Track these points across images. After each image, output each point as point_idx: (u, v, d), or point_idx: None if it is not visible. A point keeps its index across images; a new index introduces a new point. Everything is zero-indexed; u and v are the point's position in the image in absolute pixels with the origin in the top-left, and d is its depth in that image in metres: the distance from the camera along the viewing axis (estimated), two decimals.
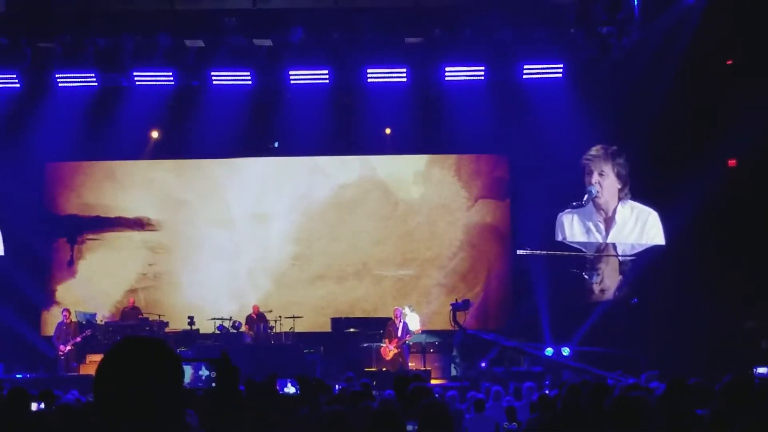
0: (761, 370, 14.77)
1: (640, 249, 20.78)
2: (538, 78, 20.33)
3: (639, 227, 20.78)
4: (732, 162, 19.82)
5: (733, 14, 18.25)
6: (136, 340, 2.58)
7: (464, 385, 17.23)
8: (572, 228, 21.11)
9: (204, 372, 16.49)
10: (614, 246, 21.10)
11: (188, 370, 16.41)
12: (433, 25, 19.52)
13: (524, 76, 20.31)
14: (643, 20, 18.92)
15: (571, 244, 21.09)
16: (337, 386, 13.07)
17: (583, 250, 21.16)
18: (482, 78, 20.46)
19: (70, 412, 7.20)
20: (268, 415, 4.68)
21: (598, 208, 21.06)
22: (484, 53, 19.82)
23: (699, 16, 18.26)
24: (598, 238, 21.09)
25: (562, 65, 20.13)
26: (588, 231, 21.10)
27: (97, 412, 2.48)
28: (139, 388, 2.48)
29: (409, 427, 7.72)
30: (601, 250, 21.16)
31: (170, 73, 20.32)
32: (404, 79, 20.56)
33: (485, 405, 9.77)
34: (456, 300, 19.09)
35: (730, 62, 19.55)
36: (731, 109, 18.52)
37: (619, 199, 20.93)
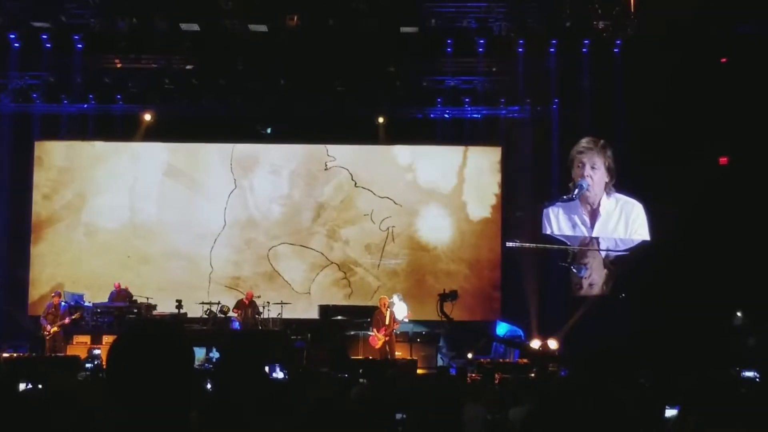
0: (748, 374, 14.58)
1: (626, 246, 20.77)
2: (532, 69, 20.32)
3: (623, 220, 20.75)
4: (723, 159, 19.89)
5: (728, 13, 18.30)
6: (149, 322, 2.62)
7: None
8: (558, 221, 21.12)
9: (215, 354, 16.61)
10: (597, 240, 21.11)
11: (200, 353, 16.59)
12: (429, 15, 19.48)
13: (519, 67, 20.30)
14: (638, 15, 18.96)
15: (559, 237, 21.14)
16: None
17: (568, 243, 21.18)
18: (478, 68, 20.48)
19: (57, 392, 7.19)
20: (258, 399, 4.68)
21: (584, 201, 21.05)
22: (479, 44, 19.82)
23: (694, 14, 18.29)
24: (584, 231, 21.11)
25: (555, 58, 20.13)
26: (574, 225, 21.11)
27: (108, 391, 2.51)
28: (151, 369, 2.50)
29: (398, 417, 7.78)
30: (586, 244, 21.18)
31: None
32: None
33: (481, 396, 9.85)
34: (444, 290, 19.01)
35: (724, 60, 19.61)
36: (724, 107, 18.58)
37: (606, 191, 20.94)
